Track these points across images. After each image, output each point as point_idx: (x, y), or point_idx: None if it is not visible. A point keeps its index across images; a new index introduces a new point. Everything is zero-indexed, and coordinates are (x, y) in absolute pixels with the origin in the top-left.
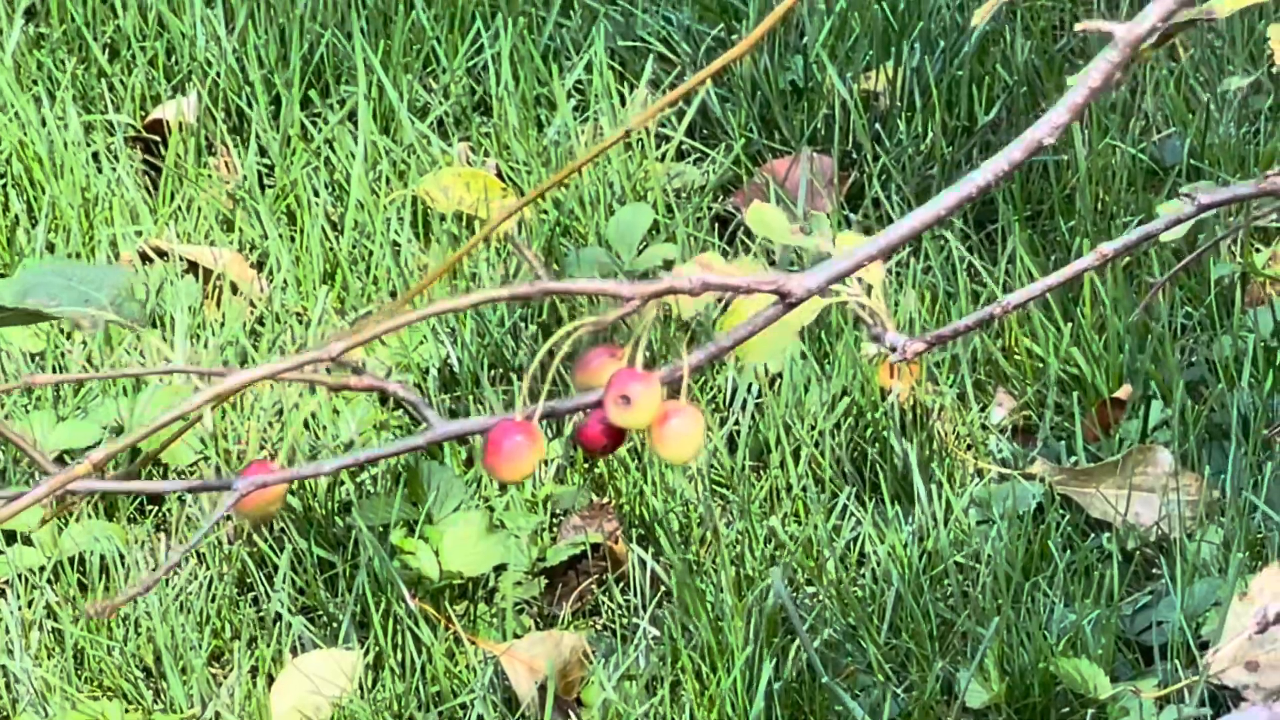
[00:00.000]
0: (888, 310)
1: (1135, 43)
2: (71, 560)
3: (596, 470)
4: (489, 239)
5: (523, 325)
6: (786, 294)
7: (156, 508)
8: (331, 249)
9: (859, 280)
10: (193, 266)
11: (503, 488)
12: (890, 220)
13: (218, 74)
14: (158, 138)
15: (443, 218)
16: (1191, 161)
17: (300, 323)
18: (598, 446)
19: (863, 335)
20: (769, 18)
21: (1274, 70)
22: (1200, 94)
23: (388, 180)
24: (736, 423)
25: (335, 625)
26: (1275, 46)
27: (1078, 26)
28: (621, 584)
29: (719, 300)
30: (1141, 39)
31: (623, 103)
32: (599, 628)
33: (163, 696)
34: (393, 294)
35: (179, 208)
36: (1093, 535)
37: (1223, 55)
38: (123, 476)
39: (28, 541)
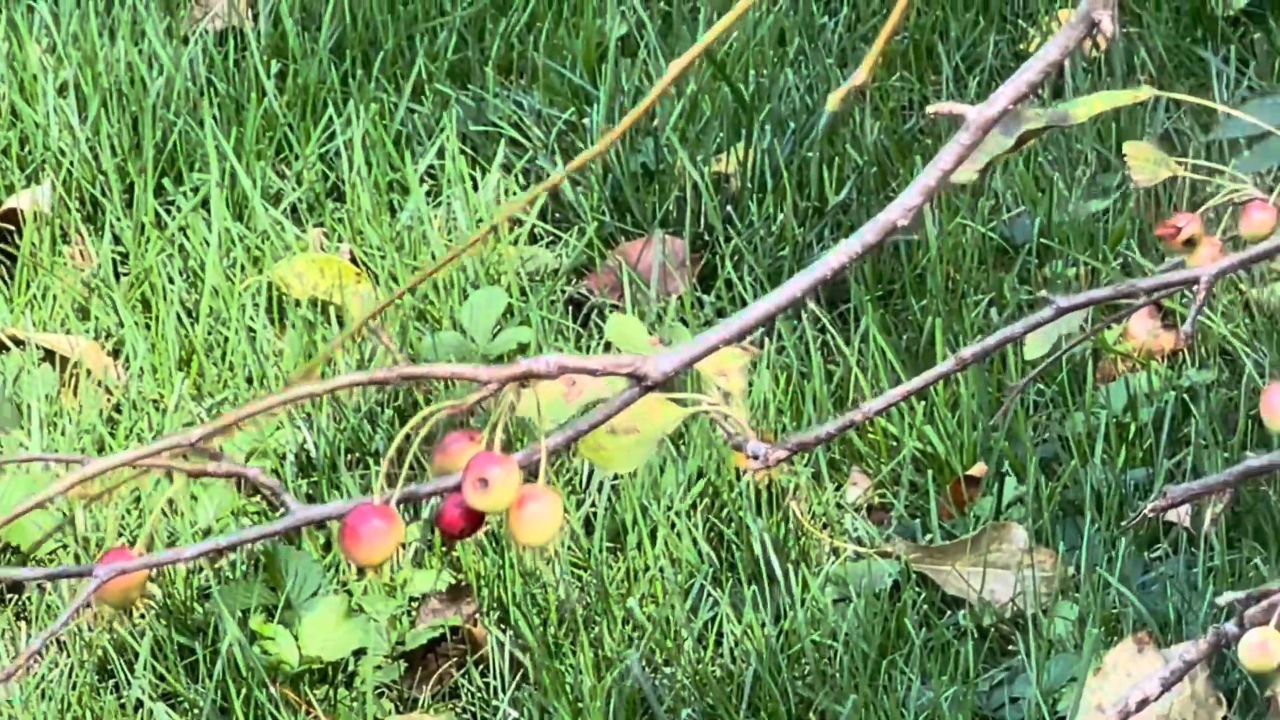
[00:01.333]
0: (750, 411)
1: (986, 125)
2: None
3: (454, 553)
4: (344, 323)
5: (379, 410)
6: (642, 377)
7: (16, 596)
8: (187, 336)
9: (718, 389)
10: (49, 355)
11: (361, 572)
12: (744, 302)
13: (71, 163)
14: (12, 227)
15: (297, 303)
16: (1041, 240)
17: (157, 410)
18: (456, 530)
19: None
20: (637, 108)
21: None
22: (1049, 172)
23: (242, 267)
24: (593, 504)
25: (196, 712)
26: (1131, 164)
27: (929, 109)
28: (481, 666)
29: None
30: (992, 121)
31: (475, 187)
32: (459, 710)
33: None
34: (249, 380)
35: (35, 296)
36: (949, 612)
37: (1071, 134)
38: None
39: None
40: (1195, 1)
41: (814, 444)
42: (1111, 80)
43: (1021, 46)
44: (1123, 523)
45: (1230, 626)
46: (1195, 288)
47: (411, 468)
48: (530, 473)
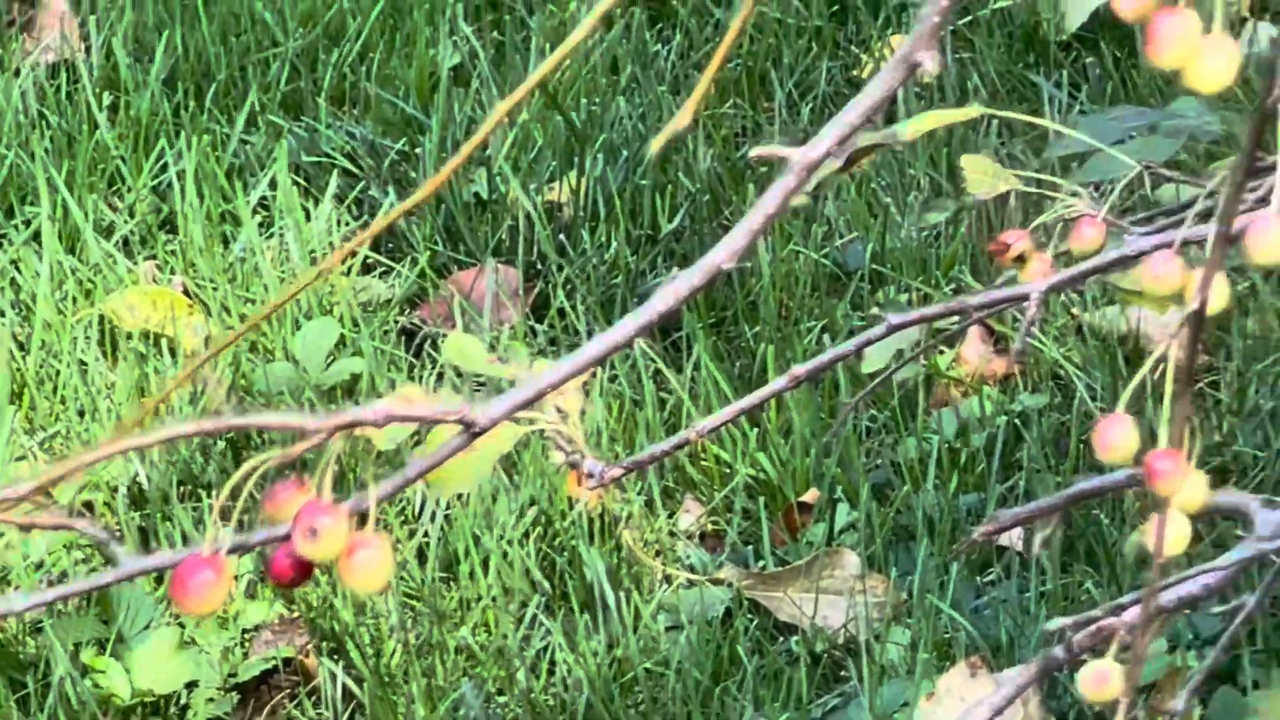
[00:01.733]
0: (584, 437)
1: (810, 167)
2: None
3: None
4: (176, 355)
5: (212, 442)
6: (471, 424)
7: None
8: (18, 369)
9: (555, 408)
10: None
11: None
12: (576, 331)
13: None
14: None
15: (130, 336)
16: (874, 266)
17: None
18: (287, 579)
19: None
20: (467, 145)
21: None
22: (882, 198)
23: (74, 299)
24: (426, 534)
25: None
26: (968, 177)
27: (752, 153)
28: (314, 697)
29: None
30: (817, 163)
31: (308, 218)
32: None
33: None
34: (80, 413)
35: None
36: (781, 639)
37: (904, 159)
38: None
39: None
40: (1027, 26)
41: (648, 463)
42: (944, 104)
43: (854, 73)
44: (967, 541)
45: (1058, 652)
46: (1026, 304)
47: (244, 509)
48: (364, 518)
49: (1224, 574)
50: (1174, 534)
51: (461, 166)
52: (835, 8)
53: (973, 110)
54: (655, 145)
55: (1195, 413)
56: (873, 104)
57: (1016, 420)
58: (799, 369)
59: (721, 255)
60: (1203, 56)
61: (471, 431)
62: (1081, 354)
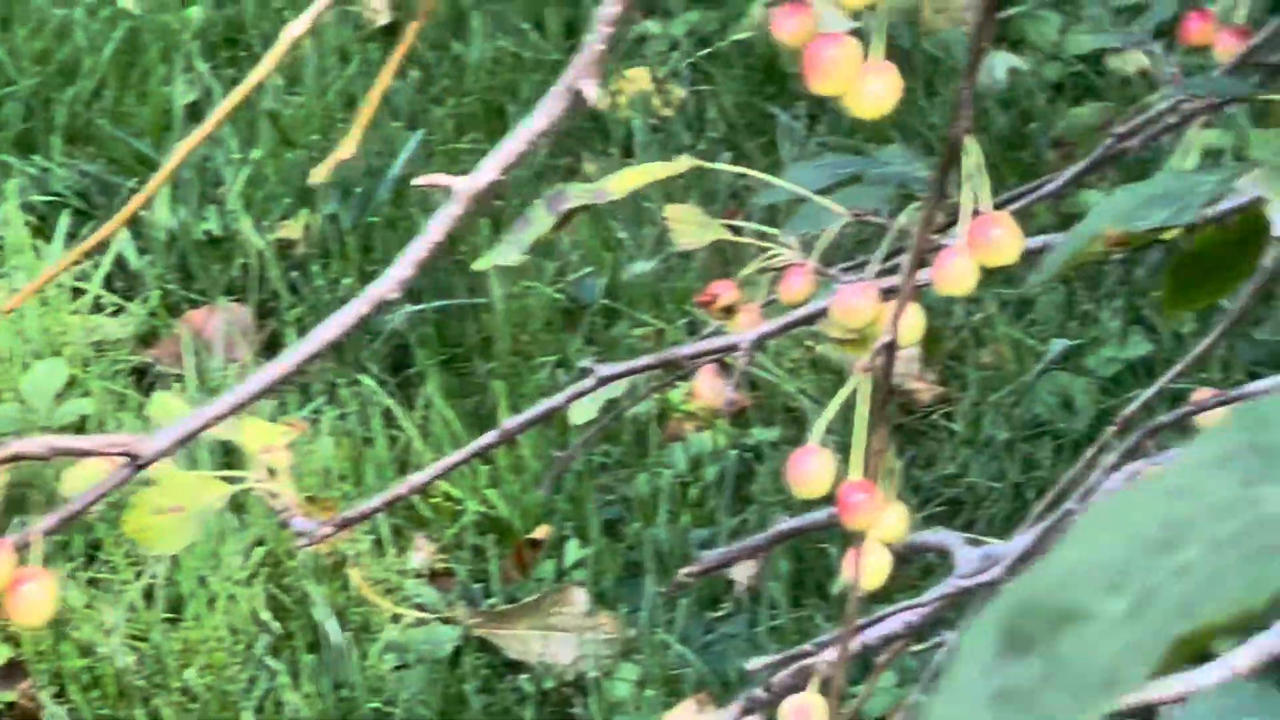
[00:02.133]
0: (295, 493)
1: (475, 196)
2: None
3: (11, 627)
4: None
5: None
6: (135, 456)
7: None
8: None
9: (266, 466)
10: None
11: None
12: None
13: None
14: None
15: None
16: (607, 301)
17: None
18: None
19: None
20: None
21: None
22: (617, 232)
23: None
24: (153, 575)
25: None
26: (673, 227)
27: (414, 181)
28: None
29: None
30: (481, 192)
31: (38, 256)
32: None
33: None
34: None
35: None
36: (511, 676)
37: (638, 190)
38: None
39: None
40: (765, 59)
41: (358, 520)
42: (682, 136)
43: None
44: (676, 581)
45: (759, 691)
46: (736, 354)
47: None
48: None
49: (924, 611)
50: (873, 567)
51: (196, 204)
52: (572, 41)
53: (680, 164)
54: (318, 176)
55: (931, 443)
56: (536, 134)
57: (749, 454)
58: (509, 423)
59: (387, 286)
60: (862, 82)
61: (136, 464)
62: (815, 386)
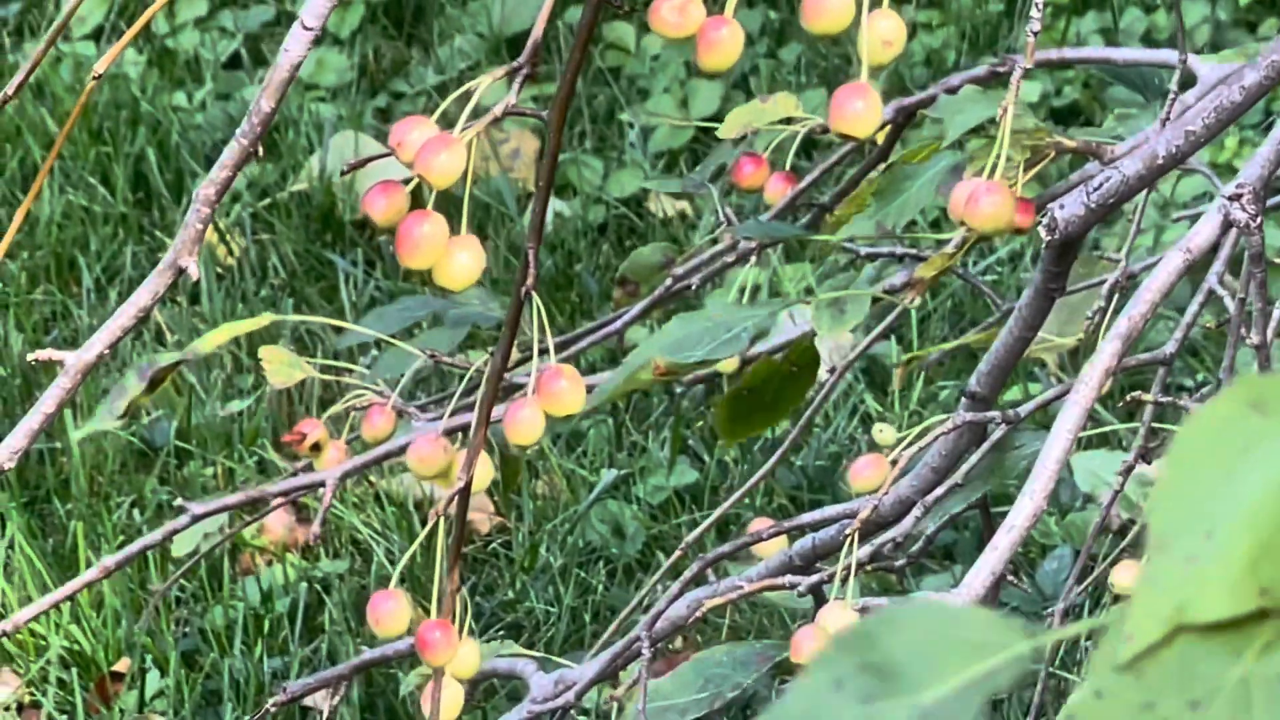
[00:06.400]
0: None
1: (85, 369)
2: None
3: None
4: None
5: None
6: None
7: None
8: None
9: None
10: None
11: None
12: None
13: None
14: None
15: None
16: (180, 442)
17: None
18: None
19: None
20: None
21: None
22: (188, 376)
23: None
24: None
25: None
26: (267, 367)
27: (30, 356)
28: None
29: None
30: (90, 365)
31: None
32: None
33: None
34: None
35: None
36: None
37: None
38: None
39: None
40: (324, 207)
41: None
42: (244, 284)
43: (159, 256)
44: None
45: None
46: (322, 490)
47: None
48: None
49: None
50: (449, 700)
51: None
52: (140, 194)
53: (263, 319)
54: None
55: (490, 570)
56: (140, 308)
57: (318, 585)
58: (109, 560)
59: (3, 456)
60: (450, 256)
61: None
62: (380, 519)
